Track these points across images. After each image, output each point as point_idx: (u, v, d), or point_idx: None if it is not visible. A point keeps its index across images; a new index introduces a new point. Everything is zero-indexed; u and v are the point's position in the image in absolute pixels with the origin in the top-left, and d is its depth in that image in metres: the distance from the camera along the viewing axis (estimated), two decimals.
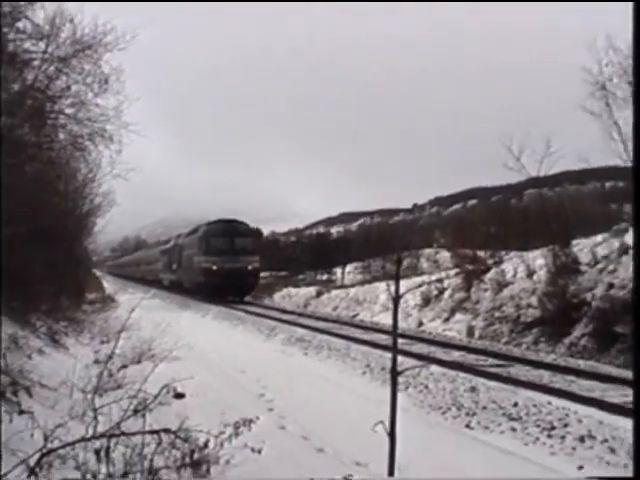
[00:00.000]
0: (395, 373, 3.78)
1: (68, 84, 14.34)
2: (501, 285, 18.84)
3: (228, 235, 30.47)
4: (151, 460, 4.48)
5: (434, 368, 10.35)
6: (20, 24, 12.62)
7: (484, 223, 28.29)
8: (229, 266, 29.09)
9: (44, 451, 4.19)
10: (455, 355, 12.85)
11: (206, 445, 4.87)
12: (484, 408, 8.04)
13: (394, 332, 3.99)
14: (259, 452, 5.39)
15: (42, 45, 13.64)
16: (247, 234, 32.31)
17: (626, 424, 6.71)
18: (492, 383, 9.50)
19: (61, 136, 15.66)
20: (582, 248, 17.33)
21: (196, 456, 4.81)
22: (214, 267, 29.32)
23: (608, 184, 65.52)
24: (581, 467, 5.90)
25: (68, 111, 14.93)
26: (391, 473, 3.70)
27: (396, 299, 3.85)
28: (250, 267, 30.27)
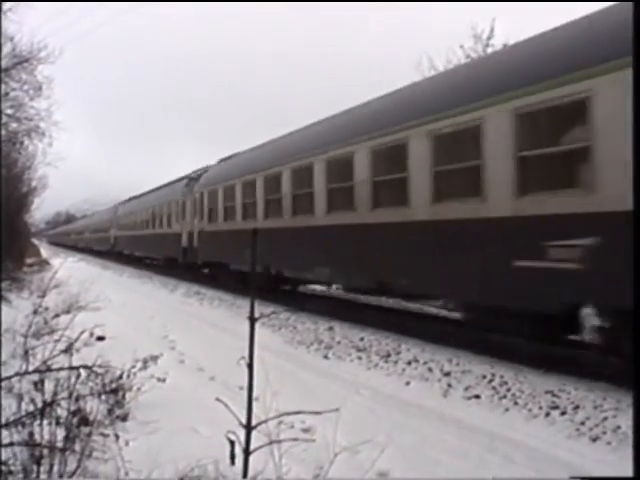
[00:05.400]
0: (253, 318, 4.33)
1: (7, 91, 18.60)
2: None
3: None
4: (71, 390, 5.22)
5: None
6: None
7: None
8: None
9: None
10: None
11: (121, 377, 6.07)
12: (338, 343, 9.86)
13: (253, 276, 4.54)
14: (164, 381, 6.65)
15: None
16: None
17: (440, 349, 8.70)
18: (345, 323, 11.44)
19: (2, 132, 19.89)
20: None
21: (113, 385, 5.93)
22: None
23: None
24: (408, 383, 7.51)
25: (8, 112, 19.31)
26: (250, 395, 4.30)
27: None
28: None
